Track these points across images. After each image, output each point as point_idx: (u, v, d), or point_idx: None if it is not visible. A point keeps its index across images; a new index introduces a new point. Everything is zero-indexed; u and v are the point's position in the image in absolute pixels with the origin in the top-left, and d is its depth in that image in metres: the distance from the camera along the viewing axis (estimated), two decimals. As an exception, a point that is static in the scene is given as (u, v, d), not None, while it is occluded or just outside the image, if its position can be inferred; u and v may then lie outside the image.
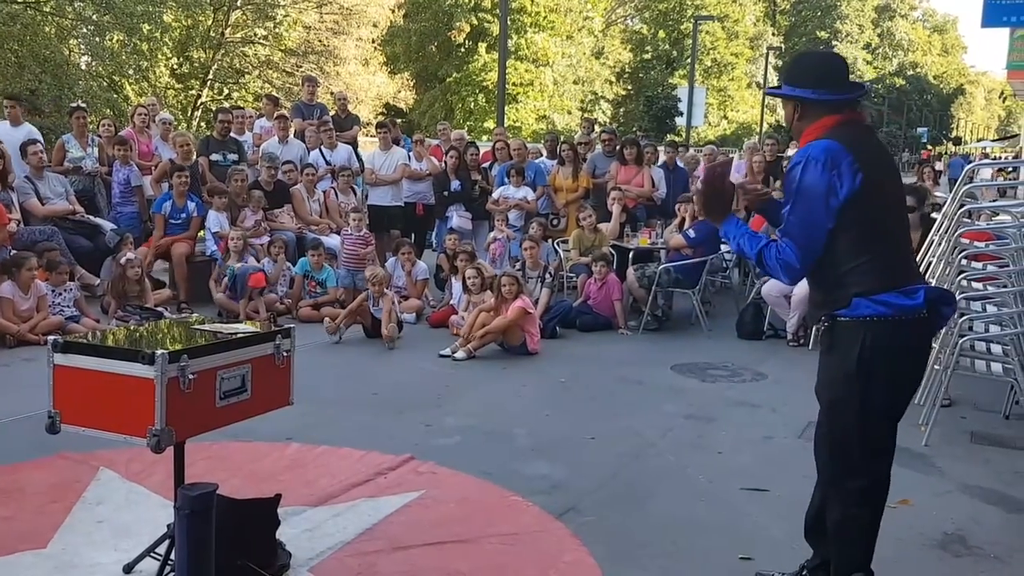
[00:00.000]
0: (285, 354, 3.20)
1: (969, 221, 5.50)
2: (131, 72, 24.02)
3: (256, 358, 3.07)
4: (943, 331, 5.10)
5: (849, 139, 2.70)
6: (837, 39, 59.24)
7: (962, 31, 78.61)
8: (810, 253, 2.71)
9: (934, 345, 5.18)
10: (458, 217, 9.27)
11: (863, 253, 2.69)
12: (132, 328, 4.13)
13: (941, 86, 73.29)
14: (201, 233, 8.95)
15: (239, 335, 3.09)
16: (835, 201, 2.66)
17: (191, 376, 2.77)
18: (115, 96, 23.62)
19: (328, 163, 9.62)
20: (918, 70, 69.40)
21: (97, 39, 23.34)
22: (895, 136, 57.44)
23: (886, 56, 66.76)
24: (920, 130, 64.96)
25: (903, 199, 2.93)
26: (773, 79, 46.30)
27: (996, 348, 5.15)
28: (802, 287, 7.07)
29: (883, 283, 2.68)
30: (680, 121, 33.08)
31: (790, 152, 5.78)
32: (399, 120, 21.46)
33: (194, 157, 8.93)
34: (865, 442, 2.76)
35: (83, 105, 9.97)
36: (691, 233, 7.80)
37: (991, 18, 15.83)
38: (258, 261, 8.17)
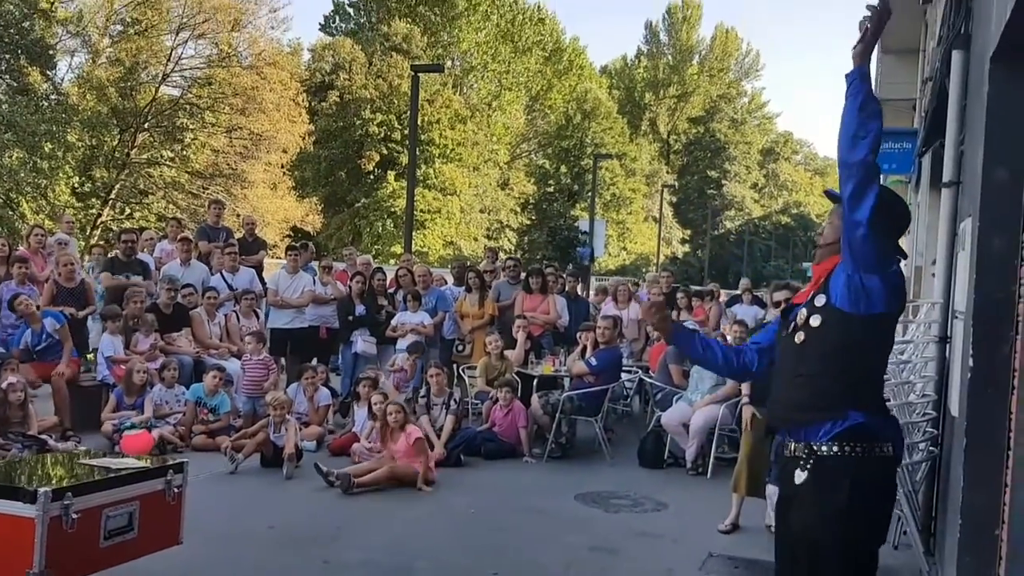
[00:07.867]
0: (176, 490, 3.09)
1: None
2: (29, 190, 23.51)
3: (145, 495, 2.96)
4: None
5: None
6: (727, 178, 62.90)
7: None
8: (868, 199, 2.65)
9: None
10: (363, 342, 9.24)
11: (874, 371, 2.74)
12: (13, 459, 3.91)
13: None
14: (91, 356, 8.61)
15: (128, 470, 2.98)
16: (891, 270, 2.70)
17: (75, 515, 2.64)
18: (11, 214, 22.98)
19: (230, 287, 9.51)
20: (802, 208, 73.89)
21: (-6, 156, 22.81)
22: (782, 270, 60.42)
23: (772, 195, 71.01)
24: (805, 264, 68.54)
25: None
26: (669, 214, 48.70)
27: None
28: (700, 416, 7.27)
29: (878, 405, 2.75)
30: (582, 251, 34.12)
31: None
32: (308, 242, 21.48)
33: (78, 278, 8.72)
34: None
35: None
36: (593, 361, 7.98)
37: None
38: (151, 387, 7.90)
